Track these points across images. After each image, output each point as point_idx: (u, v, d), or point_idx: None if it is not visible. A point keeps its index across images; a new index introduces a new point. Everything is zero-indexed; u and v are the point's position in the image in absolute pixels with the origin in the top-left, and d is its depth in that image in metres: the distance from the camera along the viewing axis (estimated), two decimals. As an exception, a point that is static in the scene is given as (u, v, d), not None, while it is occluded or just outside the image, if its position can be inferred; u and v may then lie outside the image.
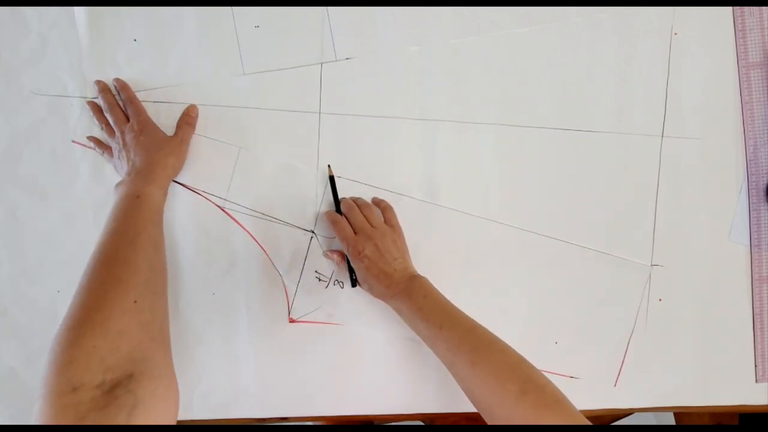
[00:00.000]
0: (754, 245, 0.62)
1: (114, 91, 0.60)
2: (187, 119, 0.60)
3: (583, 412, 0.64)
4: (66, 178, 0.61)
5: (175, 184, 0.60)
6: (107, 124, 0.59)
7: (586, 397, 0.64)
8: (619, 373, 0.63)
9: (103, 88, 0.59)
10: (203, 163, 0.61)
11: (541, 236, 0.62)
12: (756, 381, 0.63)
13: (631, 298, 0.62)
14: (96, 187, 0.61)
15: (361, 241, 0.55)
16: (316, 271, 0.62)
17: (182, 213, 0.61)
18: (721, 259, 0.62)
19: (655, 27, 0.60)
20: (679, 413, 0.57)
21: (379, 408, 0.63)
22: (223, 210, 0.61)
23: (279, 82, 0.60)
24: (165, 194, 0.57)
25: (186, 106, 0.60)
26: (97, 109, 0.60)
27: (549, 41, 0.60)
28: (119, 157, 0.57)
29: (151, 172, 0.54)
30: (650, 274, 0.62)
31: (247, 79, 0.60)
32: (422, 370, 0.63)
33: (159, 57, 0.60)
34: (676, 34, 0.60)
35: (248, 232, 0.61)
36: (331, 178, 0.59)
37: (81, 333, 0.39)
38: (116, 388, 0.37)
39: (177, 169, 0.59)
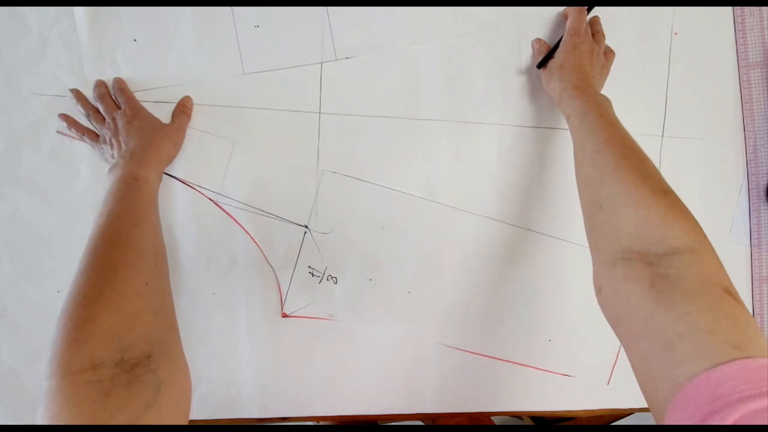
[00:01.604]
0: (754, 245, 0.62)
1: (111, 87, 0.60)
2: (183, 108, 0.60)
3: (579, 412, 0.65)
4: (66, 178, 0.61)
5: (175, 183, 0.61)
6: (95, 111, 0.59)
7: (580, 396, 0.64)
8: (612, 372, 0.63)
9: (99, 83, 0.59)
10: (199, 157, 0.61)
11: (538, 234, 0.62)
12: (756, 381, 0.63)
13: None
14: (96, 187, 0.61)
15: (586, 41, 0.55)
16: (309, 266, 0.62)
17: (181, 212, 0.61)
18: (721, 259, 0.62)
19: (655, 27, 0.60)
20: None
21: (379, 408, 0.63)
22: (216, 204, 0.61)
23: (279, 81, 0.60)
24: (160, 179, 0.56)
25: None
26: (81, 97, 0.59)
27: (548, 41, 0.60)
28: (109, 143, 0.57)
29: (146, 156, 0.54)
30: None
31: (247, 78, 0.60)
32: (422, 370, 0.63)
33: (159, 57, 0.60)
34: (676, 34, 0.60)
35: (241, 225, 0.61)
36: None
37: (96, 310, 0.38)
38: (136, 367, 0.36)
39: (172, 155, 0.59)
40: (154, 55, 0.60)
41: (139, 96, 0.60)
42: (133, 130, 0.56)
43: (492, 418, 0.75)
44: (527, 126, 0.61)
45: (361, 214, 0.61)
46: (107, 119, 0.58)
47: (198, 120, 0.60)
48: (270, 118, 0.60)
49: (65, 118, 0.60)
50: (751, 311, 0.62)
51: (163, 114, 0.60)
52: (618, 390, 0.63)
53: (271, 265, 0.61)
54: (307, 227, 0.61)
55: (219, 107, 0.60)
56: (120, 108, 0.58)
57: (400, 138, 0.61)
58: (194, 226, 0.61)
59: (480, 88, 0.61)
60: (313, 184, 0.61)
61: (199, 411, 0.63)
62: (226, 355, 0.62)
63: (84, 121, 0.60)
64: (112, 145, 0.57)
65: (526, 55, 0.60)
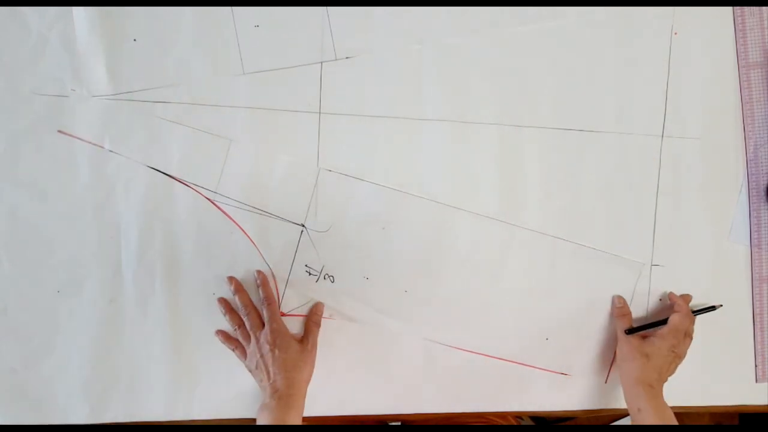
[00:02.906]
0: (754, 245, 0.62)
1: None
2: (315, 319, 0.61)
3: (579, 412, 0.65)
4: (66, 178, 0.61)
5: (175, 183, 0.60)
6: (241, 325, 0.59)
7: (579, 395, 0.64)
8: (609, 370, 0.64)
9: (237, 287, 0.60)
10: (196, 157, 0.60)
11: (537, 233, 0.62)
12: (756, 381, 0.63)
13: (626, 296, 0.62)
14: (96, 187, 0.61)
15: (681, 345, 0.58)
16: (306, 265, 0.62)
17: (182, 212, 0.61)
18: (721, 259, 0.62)
19: (655, 27, 0.60)
20: (679, 413, 0.58)
21: (379, 408, 0.63)
22: (213, 203, 0.61)
23: (279, 81, 0.60)
24: (302, 414, 0.56)
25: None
26: (229, 308, 0.60)
27: (549, 41, 0.60)
28: (257, 368, 0.57)
29: (292, 398, 0.55)
30: (650, 274, 0.62)
31: (247, 78, 0.60)
32: (421, 369, 0.63)
33: (159, 57, 0.60)
34: (676, 34, 0.60)
35: (237, 224, 0.61)
36: (712, 308, 0.60)
37: None
38: None
39: (310, 378, 0.59)
40: (154, 55, 0.60)
41: (139, 96, 0.60)
42: (277, 362, 0.56)
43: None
44: (527, 126, 0.61)
45: (359, 212, 0.61)
46: (252, 338, 0.58)
47: (198, 120, 0.60)
48: (270, 117, 0.60)
49: (221, 334, 0.61)
50: (751, 311, 0.62)
51: (160, 112, 0.60)
52: (616, 389, 0.63)
53: (267, 264, 0.61)
54: (303, 226, 0.61)
55: (219, 107, 0.60)
56: (263, 325, 0.58)
57: (400, 138, 0.61)
58: (194, 227, 0.61)
59: (480, 88, 0.61)
60: (311, 183, 0.61)
61: (199, 411, 0.63)
62: (226, 355, 0.62)
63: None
64: (260, 369, 0.57)
65: (526, 55, 0.60)
